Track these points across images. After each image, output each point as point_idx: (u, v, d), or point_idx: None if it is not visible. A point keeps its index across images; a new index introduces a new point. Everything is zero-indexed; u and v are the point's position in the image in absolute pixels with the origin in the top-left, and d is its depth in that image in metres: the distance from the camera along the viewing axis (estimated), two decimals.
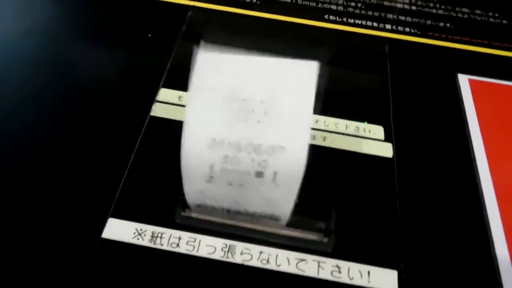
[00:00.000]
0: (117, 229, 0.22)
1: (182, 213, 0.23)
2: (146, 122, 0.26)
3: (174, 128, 0.26)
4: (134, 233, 0.22)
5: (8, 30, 0.31)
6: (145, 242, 0.21)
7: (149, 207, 0.23)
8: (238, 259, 0.21)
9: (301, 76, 0.20)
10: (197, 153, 0.19)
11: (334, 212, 0.24)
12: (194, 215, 0.23)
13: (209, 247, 0.22)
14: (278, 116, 0.19)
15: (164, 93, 0.27)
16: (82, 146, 0.25)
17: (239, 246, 0.22)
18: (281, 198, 0.20)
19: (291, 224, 0.24)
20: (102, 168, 0.24)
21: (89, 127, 0.26)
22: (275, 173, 0.19)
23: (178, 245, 0.21)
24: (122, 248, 0.21)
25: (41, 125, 0.26)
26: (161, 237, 0.22)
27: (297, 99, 0.20)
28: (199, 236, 0.22)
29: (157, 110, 0.27)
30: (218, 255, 0.21)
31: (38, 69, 0.28)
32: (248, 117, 0.19)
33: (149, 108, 0.27)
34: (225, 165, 0.19)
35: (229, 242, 0.22)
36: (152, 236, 0.21)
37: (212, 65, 0.21)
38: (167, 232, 0.22)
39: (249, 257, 0.21)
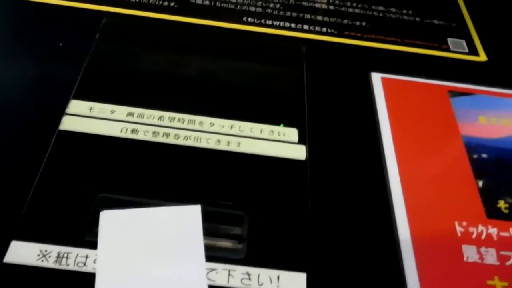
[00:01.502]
0: (20, 252, 0.21)
1: (93, 230, 0.23)
2: (54, 137, 0.25)
3: (84, 142, 0.25)
4: (38, 255, 0.21)
5: None
6: (49, 263, 0.21)
7: (56, 227, 0.22)
8: None
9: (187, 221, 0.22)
10: None
11: (247, 218, 0.24)
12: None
13: None
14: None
15: (75, 105, 0.27)
16: None
17: None
18: None
19: (207, 232, 0.24)
20: (6, 187, 0.23)
21: None
22: None
23: (85, 264, 0.21)
24: (25, 272, 0.20)
25: None
26: (67, 257, 0.21)
27: (187, 245, 0.22)
28: None
29: (67, 123, 0.26)
30: None
31: None
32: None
33: (58, 121, 0.26)
34: None
35: None
36: (58, 257, 0.21)
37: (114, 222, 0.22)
38: (74, 251, 0.21)
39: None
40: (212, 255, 0.23)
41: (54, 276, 0.21)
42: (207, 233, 0.24)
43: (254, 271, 0.22)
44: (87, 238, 0.22)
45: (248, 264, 0.22)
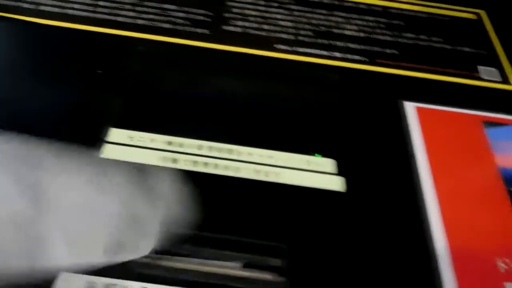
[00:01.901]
0: (68, 284, 0.21)
1: (136, 261, 0.23)
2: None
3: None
4: (86, 287, 0.21)
5: None
6: None
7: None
8: None
9: None
10: None
11: (287, 250, 0.24)
12: (147, 261, 0.23)
13: None
14: None
15: (115, 133, 0.27)
16: None
17: None
18: None
19: (247, 264, 0.24)
20: None
21: None
22: None
23: None
24: None
25: None
26: None
27: None
28: (152, 286, 0.22)
29: (107, 152, 0.26)
30: None
31: None
32: None
33: (99, 150, 0.26)
34: None
35: None
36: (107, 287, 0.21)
37: None
38: (119, 283, 0.21)
39: None
40: (252, 287, 0.23)
41: None
42: (246, 265, 0.24)
43: None
44: (132, 270, 0.22)
45: None
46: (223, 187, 0.26)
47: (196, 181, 0.26)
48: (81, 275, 0.22)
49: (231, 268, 0.24)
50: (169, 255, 0.23)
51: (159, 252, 0.23)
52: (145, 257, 0.23)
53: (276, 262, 0.24)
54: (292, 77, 0.32)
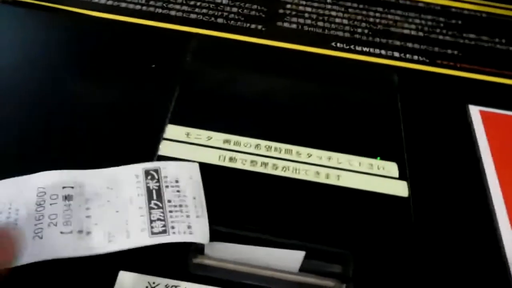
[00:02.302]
0: (129, 284, 0.21)
1: (194, 261, 0.22)
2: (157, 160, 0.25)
3: None
4: (147, 287, 0.21)
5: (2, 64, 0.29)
6: None
7: (160, 256, 0.22)
8: None
9: None
10: None
11: (350, 257, 0.23)
12: (207, 262, 0.23)
13: None
14: None
15: (172, 130, 0.26)
16: None
17: None
18: None
19: (306, 269, 0.23)
20: None
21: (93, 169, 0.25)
22: None
23: None
24: None
25: (38, 167, 0.25)
26: None
27: None
28: None
29: (165, 149, 0.26)
30: None
31: (33, 108, 0.27)
32: None
33: (156, 146, 0.26)
34: None
35: None
36: None
37: None
38: (181, 285, 0.21)
39: None
40: None
41: None
42: (308, 270, 0.23)
43: None
44: (192, 271, 0.22)
45: None
46: (282, 188, 0.25)
47: (255, 182, 0.25)
48: (141, 275, 0.21)
49: (290, 273, 0.23)
50: (228, 258, 0.23)
51: (218, 254, 0.23)
52: (205, 258, 0.22)
53: (337, 268, 0.23)
54: (351, 77, 0.31)
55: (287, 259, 0.23)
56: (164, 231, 0.21)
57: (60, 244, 0.21)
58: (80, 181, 0.22)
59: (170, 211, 0.21)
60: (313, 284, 0.23)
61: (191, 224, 0.21)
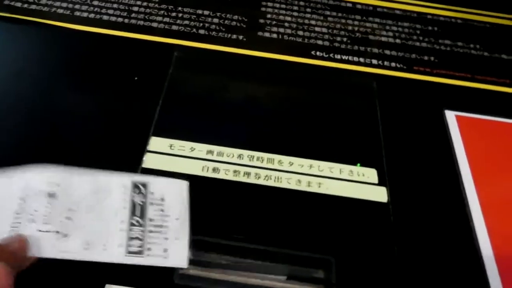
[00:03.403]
0: None
1: (180, 271, 0.23)
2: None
3: None
4: None
5: None
6: None
7: (147, 268, 0.22)
8: None
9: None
10: None
11: (333, 262, 0.24)
12: (192, 272, 0.23)
13: None
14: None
15: (155, 142, 0.27)
16: None
17: None
18: None
19: (291, 276, 0.24)
20: None
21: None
22: None
23: None
24: None
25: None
26: None
27: None
28: None
29: (149, 161, 0.26)
30: None
31: (20, 115, 0.27)
32: None
33: (139, 159, 0.26)
34: None
35: None
36: None
37: None
38: None
39: None
40: None
41: None
42: (292, 277, 0.23)
43: None
44: (176, 281, 0.22)
45: None
46: (265, 197, 0.25)
47: (238, 191, 0.26)
48: (126, 287, 0.21)
49: (276, 281, 0.24)
50: (212, 266, 0.23)
51: (201, 262, 0.23)
52: (191, 268, 0.23)
53: (319, 274, 0.24)
54: (331, 85, 0.32)
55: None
56: (140, 252, 0.21)
57: (35, 242, 0.20)
58: (67, 181, 0.22)
59: (150, 231, 0.21)
60: None
61: (168, 248, 0.21)
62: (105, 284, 0.21)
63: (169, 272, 0.22)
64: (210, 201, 0.25)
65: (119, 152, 0.26)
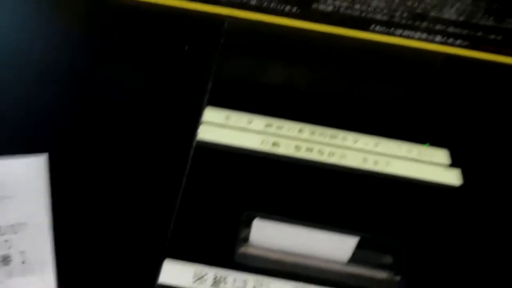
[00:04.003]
0: (175, 272, 0.19)
1: (241, 251, 0.21)
2: (193, 148, 0.24)
3: (225, 154, 0.24)
4: (194, 277, 0.19)
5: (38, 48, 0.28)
6: (206, 287, 0.19)
7: (205, 245, 0.21)
8: None
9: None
10: None
11: (402, 247, 0.22)
12: (253, 252, 0.21)
13: None
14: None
15: (210, 113, 0.25)
16: (123, 181, 0.22)
17: None
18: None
19: (355, 260, 0.22)
20: (149, 203, 0.22)
21: (129, 157, 0.23)
22: (21, 252, 0.20)
23: None
24: None
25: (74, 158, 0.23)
26: (224, 281, 0.19)
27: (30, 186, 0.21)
28: (266, 279, 0.20)
29: (203, 133, 0.24)
30: None
31: (67, 93, 0.26)
32: None
33: (194, 130, 0.24)
34: None
35: (299, 286, 0.20)
36: (215, 280, 0.19)
37: None
38: (231, 275, 0.20)
39: None
40: (366, 285, 0.21)
41: None
42: (358, 261, 0.22)
43: None
44: (237, 260, 0.20)
45: None
46: (328, 175, 0.24)
47: (299, 168, 0.24)
48: (188, 262, 0.20)
49: (339, 264, 0.22)
50: (272, 247, 0.22)
51: (260, 242, 0.21)
52: (251, 247, 0.21)
53: (388, 259, 0.22)
54: (394, 61, 0.30)
55: (338, 246, 0.21)
56: None
57: None
58: None
59: None
60: (364, 276, 0.21)
61: None
62: (164, 259, 0.20)
63: (230, 250, 0.21)
64: (269, 177, 0.23)
65: (173, 124, 0.25)
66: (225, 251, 0.20)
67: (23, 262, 0.19)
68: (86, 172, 0.22)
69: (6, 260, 0.20)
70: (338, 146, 0.24)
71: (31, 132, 0.24)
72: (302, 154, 0.24)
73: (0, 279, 0.19)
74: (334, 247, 0.21)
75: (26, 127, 0.24)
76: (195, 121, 0.25)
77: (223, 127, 0.25)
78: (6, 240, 0.20)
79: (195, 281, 0.19)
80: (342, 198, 0.23)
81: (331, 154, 0.24)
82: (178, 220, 0.21)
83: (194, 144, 0.24)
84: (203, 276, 0.19)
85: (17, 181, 0.21)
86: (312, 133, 0.25)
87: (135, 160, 0.23)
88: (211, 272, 0.19)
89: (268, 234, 0.21)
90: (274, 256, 0.21)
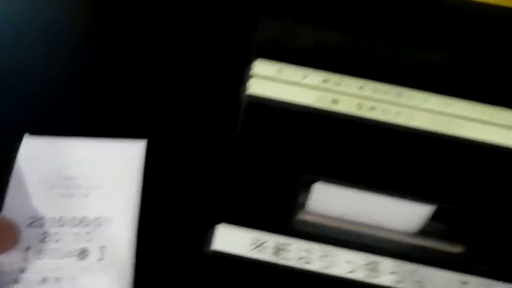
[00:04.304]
0: (229, 239, 0.17)
1: (299, 218, 0.19)
2: (244, 103, 0.21)
3: (279, 110, 0.21)
4: (253, 245, 0.17)
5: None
6: (266, 255, 0.17)
7: (260, 210, 0.18)
8: (385, 280, 0.17)
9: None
10: None
11: (468, 215, 0.19)
12: (313, 219, 0.19)
13: (347, 263, 0.17)
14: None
15: (260, 66, 0.22)
16: (173, 139, 0.20)
17: (384, 263, 0.17)
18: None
19: (425, 232, 0.19)
20: (200, 164, 0.19)
21: (178, 113, 0.21)
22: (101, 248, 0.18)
23: (309, 260, 0.17)
24: (237, 263, 0.17)
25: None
26: (286, 250, 0.17)
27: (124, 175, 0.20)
28: (332, 250, 0.17)
29: (254, 87, 0.22)
30: (360, 275, 0.17)
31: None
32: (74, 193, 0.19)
33: (243, 84, 0.22)
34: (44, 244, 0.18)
35: (370, 257, 0.18)
36: (276, 249, 0.17)
37: (37, 149, 0.20)
38: (293, 243, 0.17)
39: (396, 278, 0.17)
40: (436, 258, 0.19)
41: (274, 271, 0.17)
42: (428, 232, 0.19)
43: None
44: (295, 227, 0.18)
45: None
46: (394, 137, 0.21)
47: (363, 128, 0.21)
48: (244, 228, 0.18)
49: (407, 235, 0.20)
50: (331, 214, 0.19)
51: (319, 209, 0.19)
52: (312, 215, 0.19)
53: (461, 230, 0.20)
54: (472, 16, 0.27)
55: (409, 215, 0.19)
56: None
57: None
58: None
59: None
60: (435, 249, 0.19)
61: None
62: (219, 223, 0.17)
63: (288, 216, 0.18)
64: (329, 137, 0.21)
65: (220, 78, 0.22)
66: (282, 217, 0.18)
67: (100, 259, 0.17)
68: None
69: (83, 253, 0.18)
70: (405, 106, 0.22)
71: (131, 118, 0.21)
72: (365, 112, 0.21)
73: (74, 274, 0.17)
74: (403, 216, 0.19)
75: (127, 113, 0.21)
76: (245, 74, 0.22)
77: (275, 81, 0.22)
78: (87, 233, 0.18)
79: (253, 249, 0.17)
80: (408, 162, 0.20)
81: (397, 114, 0.21)
82: (230, 183, 0.19)
83: (244, 99, 0.21)
84: (262, 244, 0.17)
85: (113, 166, 0.20)
86: (375, 90, 0.22)
87: (183, 117, 0.21)
88: (271, 240, 0.17)
89: (330, 200, 0.19)
90: (336, 224, 0.19)
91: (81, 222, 0.18)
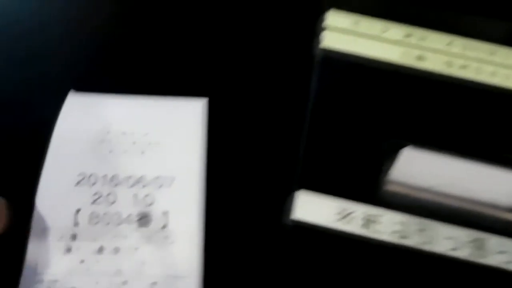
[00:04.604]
0: (311, 207, 0.15)
1: (387, 187, 0.16)
2: (318, 57, 0.19)
3: (358, 67, 0.19)
4: (338, 214, 0.15)
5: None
6: (355, 227, 0.15)
7: (342, 178, 0.16)
8: (492, 260, 0.15)
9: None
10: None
11: None
12: (401, 189, 0.17)
13: (449, 240, 0.15)
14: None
15: (334, 17, 0.20)
16: (237, 97, 0.18)
17: (491, 241, 0.15)
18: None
19: None
20: (270, 124, 0.17)
21: (243, 70, 0.19)
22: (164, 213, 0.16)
23: (405, 235, 0.15)
24: (321, 235, 0.15)
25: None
26: (378, 222, 0.15)
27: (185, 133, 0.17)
28: (430, 224, 0.15)
29: (328, 40, 0.19)
30: (464, 253, 0.15)
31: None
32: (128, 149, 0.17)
33: (316, 37, 0.19)
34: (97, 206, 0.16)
35: (474, 234, 0.15)
36: (367, 220, 0.15)
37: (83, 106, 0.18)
38: (384, 214, 0.15)
39: (507, 258, 0.15)
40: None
41: (363, 245, 0.15)
42: None
43: None
44: (383, 197, 0.16)
45: None
46: (488, 99, 0.19)
47: (452, 88, 0.19)
48: (327, 196, 0.15)
49: (499, 210, 0.17)
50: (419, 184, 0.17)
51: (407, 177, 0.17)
52: (401, 186, 0.17)
53: None
54: None
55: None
56: None
57: None
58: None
59: None
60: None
61: None
62: (299, 189, 0.15)
63: (373, 184, 0.16)
64: (415, 98, 0.18)
65: (289, 30, 0.20)
66: (369, 185, 0.16)
67: (163, 227, 0.15)
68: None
69: (144, 219, 0.16)
70: (500, 65, 0.19)
71: (193, 76, 0.19)
72: (456, 71, 0.19)
73: (135, 243, 0.15)
74: (506, 188, 0.17)
75: (188, 71, 0.19)
76: (317, 26, 0.20)
77: (352, 34, 0.19)
78: (147, 195, 0.16)
79: (339, 220, 0.15)
80: (508, 126, 0.18)
81: (493, 74, 0.19)
82: (308, 146, 0.16)
83: (318, 53, 0.19)
84: (349, 214, 0.15)
85: (172, 124, 0.18)
86: (465, 47, 0.19)
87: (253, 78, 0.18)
88: (359, 210, 0.15)
89: (420, 168, 0.17)
90: (430, 195, 0.17)
91: (139, 182, 0.16)
